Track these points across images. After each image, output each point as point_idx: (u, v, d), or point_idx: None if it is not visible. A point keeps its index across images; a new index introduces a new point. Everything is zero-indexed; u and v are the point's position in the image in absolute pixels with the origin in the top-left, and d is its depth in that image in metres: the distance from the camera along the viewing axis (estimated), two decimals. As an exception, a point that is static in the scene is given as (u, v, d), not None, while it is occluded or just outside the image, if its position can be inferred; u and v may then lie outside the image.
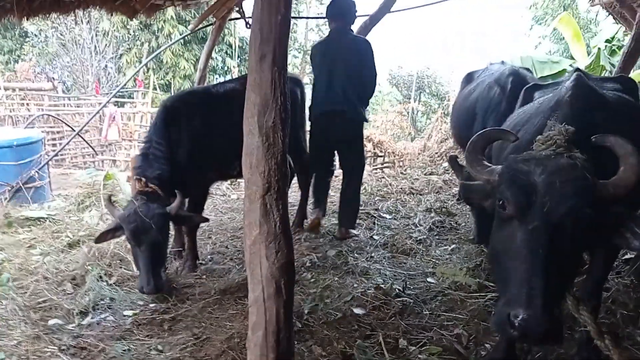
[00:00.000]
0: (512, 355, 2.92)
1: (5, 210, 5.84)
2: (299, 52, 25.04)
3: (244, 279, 3.99)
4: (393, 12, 6.77)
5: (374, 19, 6.64)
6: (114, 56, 20.70)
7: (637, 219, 2.00)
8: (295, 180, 5.69)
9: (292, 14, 2.48)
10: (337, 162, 5.67)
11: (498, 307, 2.00)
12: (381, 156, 11.08)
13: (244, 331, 3.21)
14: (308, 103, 5.61)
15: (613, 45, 10.81)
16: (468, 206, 5.60)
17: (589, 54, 10.97)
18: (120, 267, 4.37)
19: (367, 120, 5.30)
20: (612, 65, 9.53)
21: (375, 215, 6.06)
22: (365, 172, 6.29)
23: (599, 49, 10.29)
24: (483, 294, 3.82)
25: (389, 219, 6.01)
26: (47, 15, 5.10)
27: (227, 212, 6.41)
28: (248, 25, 5.28)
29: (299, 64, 24.83)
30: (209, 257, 4.84)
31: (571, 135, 2.12)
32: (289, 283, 2.39)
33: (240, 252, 4.84)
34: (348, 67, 4.95)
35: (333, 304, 3.71)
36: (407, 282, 4.12)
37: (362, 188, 6.00)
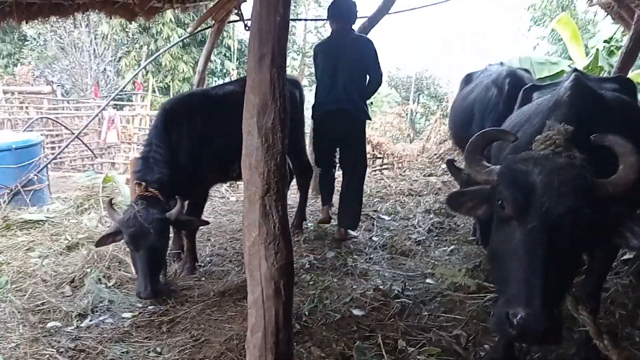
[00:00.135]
0: (511, 356, 2.92)
1: (4, 213, 5.84)
2: (298, 54, 25.08)
3: (243, 281, 3.99)
4: (391, 13, 6.78)
5: (372, 21, 6.65)
6: (112, 59, 20.73)
7: (636, 218, 2.00)
8: (294, 182, 5.69)
9: (291, 16, 2.48)
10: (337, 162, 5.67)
11: (497, 307, 2.00)
12: (380, 158, 11.09)
13: (243, 333, 3.20)
14: (307, 104, 5.63)
15: (611, 45, 10.83)
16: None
17: (587, 55, 10.99)
18: (119, 270, 4.37)
19: (369, 118, 5.33)
20: (611, 65, 9.54)
21: (374, 216, 6.06)
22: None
23: (597, 49, 10.31)
24: (482, 295, 3.82)
25: (388, 220, 6.01)
26: (46, 19, 5.12)
27: (226, 214, 6.41)
28: (247, 28, 5.29)
29: (297, 66, 24.85)
30: (207, 259, 4.83)
31: (570, 135, 2.12)
32: (288, 284, 2.39)
33: (239, 254, 4.84)
34: (350, 65, 4.98)
35: (332, 306, 3.71)
36: (406, 283, 4.12)
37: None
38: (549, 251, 1.89)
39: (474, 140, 2.38)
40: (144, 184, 3.97)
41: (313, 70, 5.60)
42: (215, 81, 20.22)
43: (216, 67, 20.61)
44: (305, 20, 24.99)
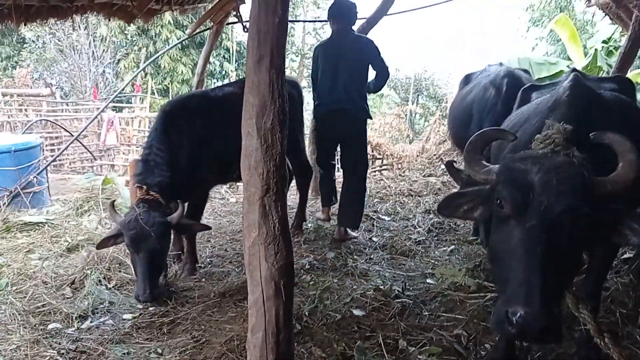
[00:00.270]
0: (512, 356, 2.92)
1: (3, 215, 5.84)
2: (297, 56, 25.09)
3: (243, 282, 3.99)
4: (390, 14, 6.80)
5: (371, 22, 6.66)
6: (111, 61, 20.74)
7: (635, 216, 2.00)
8: (293, 183, 5.69)
9: (290, 18, 2.49)
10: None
11: (497, 306, 2.00)
12: (379, 158, 11.12)
13: (243, 333, 3.21)
14: (306, 105, 5.64)
15: (610, 46, 10.85)
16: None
17: (586, 55, 11.01)
18: (120, 271, 4.37)
19: (370, 117, 5.36)
20: (609, 65, 9.56)
21: (374, 217, 6.07)
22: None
23: (596, 50, 10.33)
24: (482, 295, 3.82)
25: (388, 220, 6.02)
26: (45, 21, 5.13)
27: (226, 215, 6.41)
28: (245, 29, 5.30)
29: (296, 68, 24.87)
30: (208, 260, 4.83)
31: (569, 134, 2.13)
32: (288, 284, 2.39)
33: (239, 255, 4.84)
34: (350, 66, 5.02)
35: (332, 306, 3.71)
36: (407, 283, 4.12)
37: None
38: (548, 250, 1.90)
39: (473, 140, 2.38)
40: (144, 187, 3.97)
41: (311, 71, 5.62)
42: (214, 83, 20.25)
43: (215, 69, 20.62)
44: (304, 21, 25.03)
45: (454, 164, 3.99)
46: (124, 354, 3.19)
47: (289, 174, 5.12)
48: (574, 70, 2.92)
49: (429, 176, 8.53)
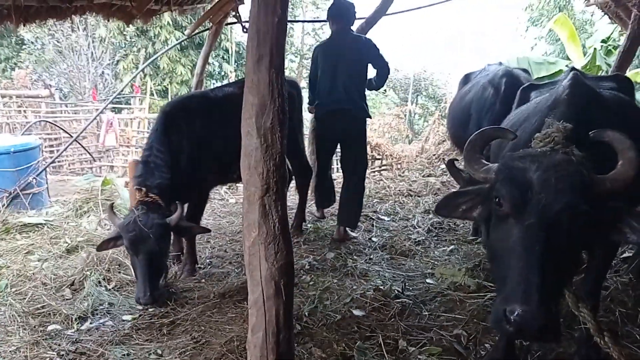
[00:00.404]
0: (512, 355, 2.92)
1: (3, 216, 5.83)
2: (296, 56, 25.10)
3: (243, 283, 3.99)
4: (389, 14, 6.80)
5: (370, 22, 6.66)
6: (110, 62, 20.73)
7: (634, 214, 2.00)
8: (293, 183, 5.69)
9: (288, 18, 2.49)
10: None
11: (495, 304, 2.00)
12: (379, 159, 11.12)
13: (243, 334, 3.21)
14: (306, 106, 5.64)
15: (609, 45, 10.87)
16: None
17: (585, 55, 11.02)
18: (119, 272, 4.36)
19: (370, 117, 5.38)
20: (608, 65, 9.58)
21: (373, 217, 6.06)
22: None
23: (595, 49, 10.35)
24: (482, 294, 3.82)
25: (388, 220, 6.01)
26: (44, 22, 5.13)
27: (226, 216, 6.41)
28: (244, 30, 5.30)
29: (295, 68, 24.88)
30: (207, 261, 4.83)
31: (569, 132, 2.12)
32: (288, 284, 2.39)
33: (239, 255, 4.84)
34: (350, 66, 5.05)
35: (332, 306, 3.71)
36: (406, 283, 4.12)
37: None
38: (546, 248, 1.89)
39: (473, 139, 2.38)
40: (144, 189, 3.97)
41: (309, 72, 5.65)
42: (213, 83, 20.25)
43: (214, 70, 20.62)
44: (303, 22, 25.06)
45: (455, 162, 3.97)
46: (124, 355, 3.18)
47: (288, 175, 5.12)
48: (573, 69, 2.92)
49: (428, 176, 8.53)
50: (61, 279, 4.26)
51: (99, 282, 4.14)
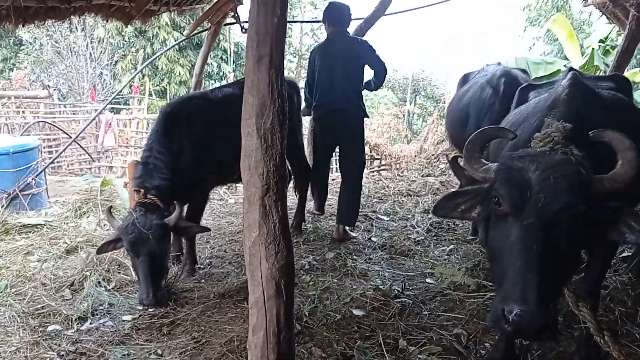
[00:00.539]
0: (512, 354, 2.92)
1: (2, 217, 5.82)
2: (294, 57, 25.10)
3: (243, 283, 4.00)
4: (387, 14, 6.80)
5: (368, 22, 6.67)
6: (109, 63, 20.72)
7: (633, 214, 2.01)
8: (292, 184, 5.69)
9: (287, 18, 2.49)
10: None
11: (494, 303, 2.01)
12: (378, 159, 11.14)
13: (243, 334, 3.21)
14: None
15: (607, 45, 10.89)
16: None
17: (583, 55, 11.04)
18: (119, 273, 4.37)
19: (367, 116, 5.40)
20: (606, 65, 9.59)
21: (373, 217, 6.07)
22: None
23: (593, 49, 10.36)
24: (482, 294, 3.83)
25: (387, 220, 6.02)
26: (42, 22, 5.11)
27: (225, 216, 6.41)
28: (243, 30, 5.30)
29: (294, 69, 24.88)
30: (207, 261, 4.83)
31: (569, 132, 2.13)
32: (289, 284, 2.39)
33: (239, 255, 4.84)
34: (346, 67, 5.09)
35: (332, 306, 3.72)
36: (406, 283, 4.12)
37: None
38: (545, 247, 1.90)
39: (473, 139, 2.38)
40: (143, 190, 3.97)
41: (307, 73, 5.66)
42: (212, 84, 20.25)
43: (213, 70, 20.63)
44: (302, 22, 25.06)
45: (458, 159, 3.97)
46: (124, 355, 3.18)
47: (288, 175, 5.13)
48: (572, 69, 2.93)
49: (427, 176, 8.53)
50: (61, 280, 4.27)
51: (99, 282, 4.14)
